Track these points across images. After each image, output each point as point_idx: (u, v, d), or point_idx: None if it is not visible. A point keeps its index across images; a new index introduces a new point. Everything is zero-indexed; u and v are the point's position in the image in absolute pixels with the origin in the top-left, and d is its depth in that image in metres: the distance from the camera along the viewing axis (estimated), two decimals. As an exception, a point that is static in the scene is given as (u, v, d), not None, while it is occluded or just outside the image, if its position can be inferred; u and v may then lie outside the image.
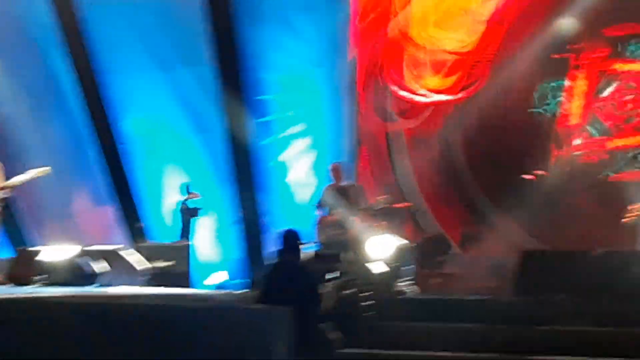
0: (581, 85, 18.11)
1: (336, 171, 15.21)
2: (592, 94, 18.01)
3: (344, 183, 15.14)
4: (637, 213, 13.52)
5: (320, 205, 15.13)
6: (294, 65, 18.40)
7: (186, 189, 17.24)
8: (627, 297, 10.15)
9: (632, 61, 17.86)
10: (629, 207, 13.92)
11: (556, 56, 18.14)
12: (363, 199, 15.12)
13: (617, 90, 17.97)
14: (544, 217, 16.94)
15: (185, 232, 16.92)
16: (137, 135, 18.65)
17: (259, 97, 18.31)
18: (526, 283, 11.72)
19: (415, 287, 12.83)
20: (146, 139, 18.91)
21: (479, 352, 9.62)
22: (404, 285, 12.83)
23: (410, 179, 19.03)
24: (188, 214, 17.06)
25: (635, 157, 16.07)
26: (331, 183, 15.20)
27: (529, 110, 18.28)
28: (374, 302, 10.92)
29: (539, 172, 17.09)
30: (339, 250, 13.30)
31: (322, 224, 14.93)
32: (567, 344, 9.64)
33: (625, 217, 13.83)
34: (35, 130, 18.56)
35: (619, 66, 17.97)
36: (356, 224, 14.52)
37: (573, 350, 9.38)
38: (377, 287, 11.72)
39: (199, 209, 17.03)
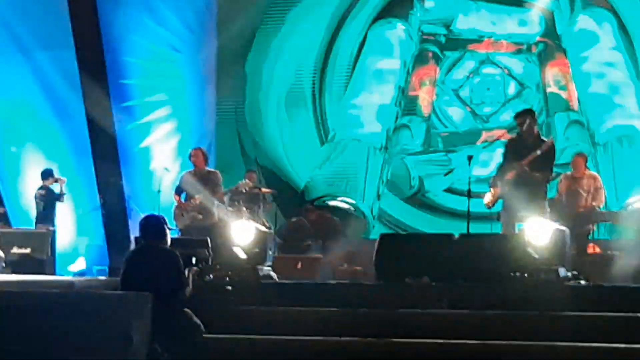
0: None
1: (196, 157, 14.88)
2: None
3: (204, 169, 14.87)
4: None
5: (178, 191, 14.90)
6: (157, 50, 18.40)
7: (50, 174, 16.74)
8: (483, 279, 10.37)
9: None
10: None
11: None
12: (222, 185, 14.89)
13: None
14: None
15: (48, 218, 16.40)
16: (-3, 119, 18.36)
17: (122, 81, 18.14)
18: (387, 266, 11.82)
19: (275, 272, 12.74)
20: (6, 123, 18.43)
21: (342, 335, 9.62)
22: (267, 270, 12.75)
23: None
24: (52, 199, 16.56)
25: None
26: (191, 169, 14.95)
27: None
28: (236, 287, 10.92)
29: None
30: (199, 236, 13.19)
31: (180, 209, 14.74)
32: (427, 325, 9.72)
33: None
34: None
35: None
36: (217, 209, 14.50)
37: (434, 332, 9.44)
38: (240, 272, 11.63)
39: (63, 194, 16.57)
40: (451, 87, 19.02)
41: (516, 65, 18.74)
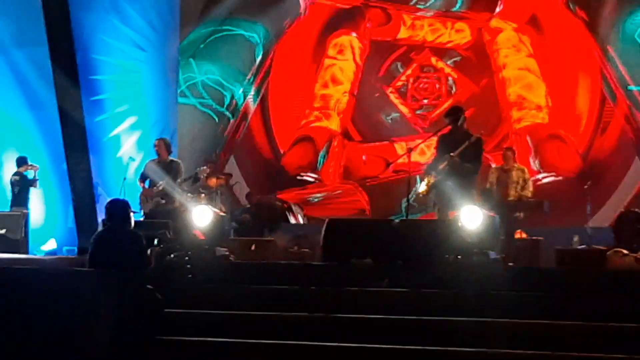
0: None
1: (159, 146, 14.94)
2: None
3: (167, 158, 14.87)
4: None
5: (143, 178, 14.93)
6: (123, 49, 18.36)
7: (24, 161, 16.76)
8: (420, 261, 10.44)
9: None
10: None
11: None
12: (183, 173, 14.93)
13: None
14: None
15: (22, 201, 16.41)
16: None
17: (92, 77, 18.04)
18: (334, 248, 11.86)
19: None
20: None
21: (292, 311, 9.71)
22: (223, 251, 12.67)
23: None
24: (26, 184, 16.55)
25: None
26: (154, 158, 14.96)
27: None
28: (194, 266, 10.92)
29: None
30: (161, 219, 13.35)
31: (144, 195, 14.79)
32: (369, 302, 9.83)
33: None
34: None
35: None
36: (177, 195, 14.50)
37: (376, 309, 9.54)
38: (198, 252, 11.67)
39: (36, 179, 16.57)
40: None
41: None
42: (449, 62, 18.94)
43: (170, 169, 14.60)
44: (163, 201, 14.42)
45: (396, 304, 9.74)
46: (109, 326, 8.31)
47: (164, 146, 14.89)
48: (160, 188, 14.44)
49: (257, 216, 16.53)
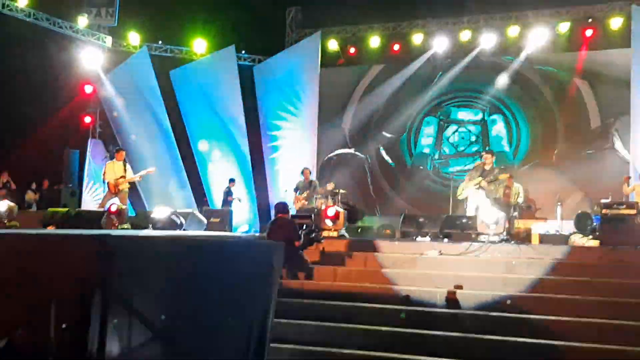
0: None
1: (305, 173, 14.87)
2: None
3: (308, 179, 14.79)
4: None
5: (295, 190, 14.77)
6: (285, 115, 18.75)
7: (231, 180, 16.85)
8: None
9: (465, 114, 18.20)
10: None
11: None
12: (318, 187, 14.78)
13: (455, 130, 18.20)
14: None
15: (228, 203, 16.43)
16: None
17: (269, 132, 18.73)
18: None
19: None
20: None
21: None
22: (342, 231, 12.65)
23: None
24: (229, 193, 16.67)
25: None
26: (302, 179, 14.84)
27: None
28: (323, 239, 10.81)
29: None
30: (305, 214, 13.10)
31: (296, 200, 14.70)
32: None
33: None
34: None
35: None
36: (316, 201, 14.47)
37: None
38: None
39: (231, 193, 16.82)
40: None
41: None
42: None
43: (310, 185, 14.69)
44: (307, 202, 14.42)
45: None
46: (278, 276, 8.74)
47: (307, 172, 14.89)
48: (303, 197, 14.53)
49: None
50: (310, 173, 15.06)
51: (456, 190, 13.03)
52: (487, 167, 12.64)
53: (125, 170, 13.06)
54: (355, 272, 9.92)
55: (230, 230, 14.44)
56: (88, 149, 18.06)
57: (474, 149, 17.89)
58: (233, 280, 5.54)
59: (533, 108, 17.64)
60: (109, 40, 18.85)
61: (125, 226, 12.04)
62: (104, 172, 13.15)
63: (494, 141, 17.84)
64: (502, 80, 17.63)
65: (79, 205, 16.29)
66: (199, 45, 18.98)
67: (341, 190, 14.80)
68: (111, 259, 3.71)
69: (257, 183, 18.45)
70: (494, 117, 17.95)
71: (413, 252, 10.36)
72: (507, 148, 17.74)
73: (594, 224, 12.31)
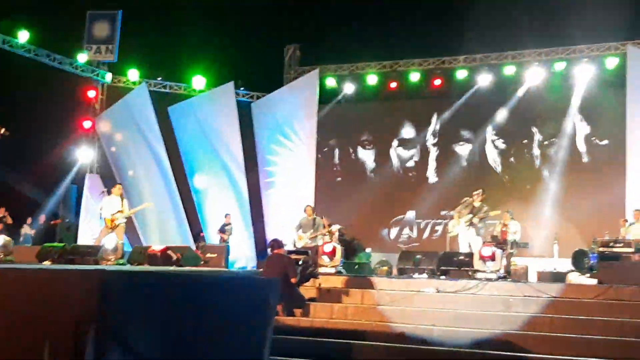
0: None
1: (307, 209, 14.47)
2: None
3: (312, 216, 14.30)
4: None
5: (298, 227, 14.32)
6: (281, 150, 18.83)
7: (226, 215, 16.93)
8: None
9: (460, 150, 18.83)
10: None
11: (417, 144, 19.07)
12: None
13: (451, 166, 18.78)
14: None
15: (224, 241, 16.47)
16: None
17: (265, 168, 18.73)
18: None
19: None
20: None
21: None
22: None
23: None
24: (222, 230, 16.71)
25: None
26: (305, 216, 14.42)
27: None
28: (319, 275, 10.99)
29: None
30: (305, 250, 12.90)
31: (299, 239, 14.28)
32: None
33: None
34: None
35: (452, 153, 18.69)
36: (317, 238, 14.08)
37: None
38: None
39: (226, 229, 16.71)
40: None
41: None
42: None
43: (314, 222, 14.24)
44: (310, 242, 13.87)
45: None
46: (274, 312, 7.90)
47: (309, 209, 14.49)
48: (309, 235, 13.99)
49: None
50: (313, 211, 14.61)
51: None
52: (477, 205, 12.70)
53: (122, 205, 13.05)
54: (351, 308, 9.88)
55: (227, 266, 14.37)
56: (86, 183, 18.06)
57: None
58: (228, 316, 5.51)
59: (526, 145, 17.77)
60: (108, 76, 18.98)
61: (122, 261, 12.01)
62: (101, 207, 13.17)
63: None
64: (499, 117, 17.67)
65: (76, 240, 16.24)
66: (198, 81, 19.11)
67: (339, 226, 14.77)
68: (105, 295, 3.69)
69: (254, 218, 18.38)
70: (491, 152, 18.04)
71: (410, 289, 10.31)
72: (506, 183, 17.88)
73: (591, 261, 12.27)
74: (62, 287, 3.82)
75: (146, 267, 10.50)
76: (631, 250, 12.01)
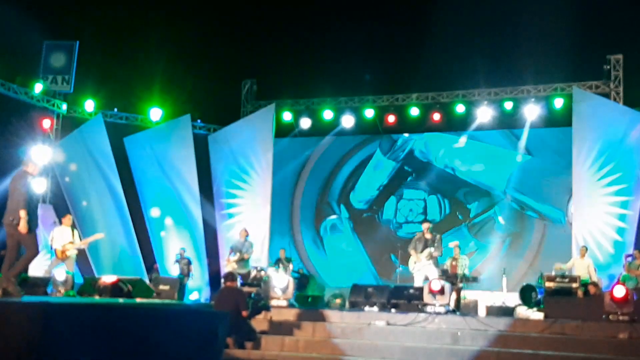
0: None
1: (242, 232, 14.48)
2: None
3: (243, 239, 14.22)
4: None
5: (231, 250, 14.30)
6: (237, 184, 18.63)
7: (181, 249, 17.01)
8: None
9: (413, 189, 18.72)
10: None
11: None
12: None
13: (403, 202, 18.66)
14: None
15: (183, 274, 16.33)
16: None
17: (221, 200, 18.57)
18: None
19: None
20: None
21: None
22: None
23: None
24: (180, 264, 16.66)
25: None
26: (238, 239, 14.42)
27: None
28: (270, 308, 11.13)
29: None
30: (258, 283, 13.26)
31: (227, 262, 14.27)
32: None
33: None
34: None
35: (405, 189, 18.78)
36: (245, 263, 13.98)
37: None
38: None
39: (183, 262, 16.70)
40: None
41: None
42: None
43: (243, 246, 14.10)
44: (237, 266, 13.56)
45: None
46: (223, 344, 7.86)
47: (243, 233, 14.44)
48: (236, 258, 13.75)
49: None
50: (247, 234, 14.43)
51: (402, 258, 13.21)
52: (428, 236, 12.83)
53: (73, 235, 12.86)
54: (303, 342, 9.88)
55: (181, 298, 14.15)
56: (38, 213, 17.60)
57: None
58: (176, 348, 5.47)
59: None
60: (64, 106, 18.77)
61: (72, 292, 11.78)
62: (52, 238, 12.92)
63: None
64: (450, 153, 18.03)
65: (27, 271, 15.79)
66: (155, 113, 19.00)
67: (291, 258, 14.65)
68: (48, 326, 3.65)
69: (209, 250, 18.18)
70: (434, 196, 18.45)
71: (361, 322, 10.34)
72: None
73: (539, 296, 12.50)
74: (4, 319, 3.74)
75: (95, 299, 10.30)
76: (577, 285, 12.22)
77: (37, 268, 15.88)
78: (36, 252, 8.04)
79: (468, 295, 13.84)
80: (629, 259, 14.27)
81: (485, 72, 16.99)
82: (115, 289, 11.36)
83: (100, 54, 17.82)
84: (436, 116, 18.03)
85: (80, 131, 18.14)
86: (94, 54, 17.90)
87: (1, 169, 16.39)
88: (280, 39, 18.52)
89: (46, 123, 18.38)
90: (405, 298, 11.78)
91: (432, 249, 12.68)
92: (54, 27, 18.02)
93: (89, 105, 18.84)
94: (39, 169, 8.22)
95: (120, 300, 10.40)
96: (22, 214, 7.58)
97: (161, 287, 13.49)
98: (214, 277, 17.63)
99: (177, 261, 16.74)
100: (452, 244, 12.88)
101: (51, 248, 13.05)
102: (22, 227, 7.58)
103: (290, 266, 14.48)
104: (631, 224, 15.38)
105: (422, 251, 12.84)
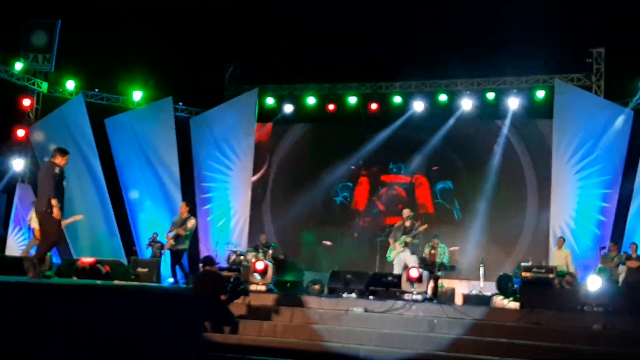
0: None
1: (181, 207, 13.03)
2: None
3: (185, 215, 12.70)
4: None
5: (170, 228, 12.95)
6: (220, 169, 18.61)
7: (154, 234, 16.68)
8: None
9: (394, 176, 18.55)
10: None
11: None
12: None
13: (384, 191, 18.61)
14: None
15: (156, 256, 16.16)
16: None
17: (202, 183, 18.52)
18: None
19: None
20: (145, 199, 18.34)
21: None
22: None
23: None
24: (155, 248, 16.48)
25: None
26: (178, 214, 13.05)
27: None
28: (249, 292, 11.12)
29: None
30: (237, 268, 13.26)
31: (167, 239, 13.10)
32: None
33: None
34: None
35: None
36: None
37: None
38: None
39: (161, 243, 16.20)
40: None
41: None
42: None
43: (183, 222, 12.63)
44: (174, 242, 12.58)
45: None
46: (201, 327, 8.52)
47: (182, 207, 13.00)
48: (173, 235, 12.64)
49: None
50: (188, 209, 12.96)
51: (381, 246, 13.17)
52: (407, 224, 12.78)
53: (51, 216, 12.63)
54: (280, 326, 9.87)
55: (159, 281, 14.07)
56: (16, 193, 17.54)
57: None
58: (154, 331, 5.45)
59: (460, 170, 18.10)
60: (44, 85, 18.54)
61: (49, 273, 11.67)
62: (30, 218, 12.72)
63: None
64: (433, 142, 17.90)
65: (3, 251, 15.70)
66: (136, 94, 18.83)
67: (272, 244, 14.59)
68: (26, 306, 3.61)
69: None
70: (421, 179, 18.28)
71: (339, 309, 10.35)
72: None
73: (515, 286, 12.59)
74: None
75: (72, 280, 10.16)
76: (553, 275, 12.33)
77: (14, 248, 15.88)
78: (59, 240, 8.74)
79: (445, 283, 13.89)
80: (604, 251, 14.41)
81: (467, 62, 16.95)
82: (93, 271, 11.23)
83: (82, 34, 17.55)
84: (419, 105, 17.99)
85: (61, 111, 17.95)
86: (76, 33, 17.63)
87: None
88: (265, 22, 18.39)
89: (26, 102, 18.13)
90: (383, 285, 11.81)
91: (406, 236, 12.56)
92: (36, 6, 17.72)
93: (70, 84, 18.63)
94: (66, 160, 8.69)
95: (98, 282, 10.37)
96: (54, 202, 8.03)
97: (139, 269, 13.39)
98: (193, 260, 16.93)
99: (149, 244, 16.64)
100: (422, 228, 12.79)
101: (29, 228, 12.89)
102: (57, 214, 8.04)
103: (270, 252, 14.40)
104: (608, 216, 15.52)
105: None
